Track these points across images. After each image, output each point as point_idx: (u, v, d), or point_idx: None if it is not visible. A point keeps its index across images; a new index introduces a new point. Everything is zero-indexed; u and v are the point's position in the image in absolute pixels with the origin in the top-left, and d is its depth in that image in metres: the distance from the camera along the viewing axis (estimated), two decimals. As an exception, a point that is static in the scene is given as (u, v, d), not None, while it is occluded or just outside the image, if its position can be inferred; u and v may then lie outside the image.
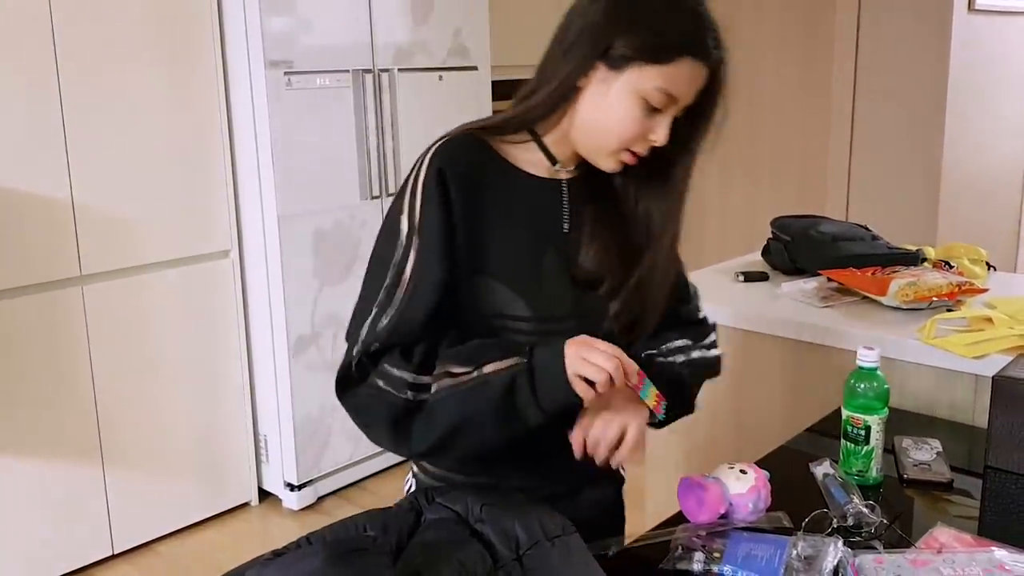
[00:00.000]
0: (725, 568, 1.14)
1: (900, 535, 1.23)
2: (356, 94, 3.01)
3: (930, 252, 2.16)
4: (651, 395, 1.12)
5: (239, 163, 2.92)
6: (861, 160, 3.34)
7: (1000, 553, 1.10)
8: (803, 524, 1.22)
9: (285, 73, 2.82)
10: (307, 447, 3.05)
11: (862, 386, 1.37)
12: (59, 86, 2.49)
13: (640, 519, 2.01)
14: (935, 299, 1.81)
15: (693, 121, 1.15)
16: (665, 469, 2.13)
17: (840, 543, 1.15)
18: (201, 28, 2.78)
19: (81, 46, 2.52)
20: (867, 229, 2.26)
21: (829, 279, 2.00)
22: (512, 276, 1.15)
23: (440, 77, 3.21)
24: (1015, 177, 3.93)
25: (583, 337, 1.08)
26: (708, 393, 2.02)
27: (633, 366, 1.08)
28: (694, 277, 2.23)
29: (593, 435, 1.11)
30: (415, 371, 1.08)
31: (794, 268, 2.16)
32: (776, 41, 3.64)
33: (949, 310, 1.80)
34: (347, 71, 2.98)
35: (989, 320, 1.64)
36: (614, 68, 1.09)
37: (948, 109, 3.18)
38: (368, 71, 3.04)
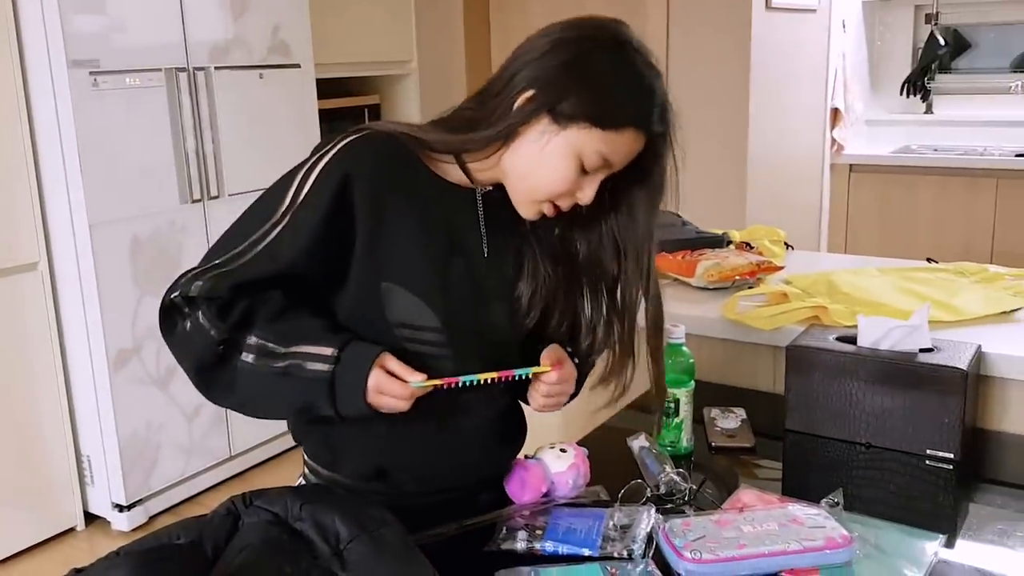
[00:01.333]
0: (547, 544, 1.18)
1: (709, 499, 1.31)
2: (170, 94, 2.90)
3: (735, 235, 2.31)
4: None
5: (44, 170, 2.75)
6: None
7: (794, 507, 1.19)
8: (619, 496, 1.28)
9: (91, 73, 2.67)
10: (135, 465, 2.91)
11: (670, 361, 1.45)
12: None
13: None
14: (737, 278, 1.94)
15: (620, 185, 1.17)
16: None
17: (653, 511, 1.22)
18: (-7, 26, 2.61)
19: None
20: (678, 216, 2.38)
21: (644, 264, 2.09)
22: (419, 284, 1.13)
23: (261, 75, 3.13)
24: (815, 162, 4.24)
25: (386, 362, 1.07)
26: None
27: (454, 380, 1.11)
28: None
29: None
30: (227, 330, 1.07)
31: (613, 255, 2.25)
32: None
33: (750, 288, 1.92)
34: (159, 70, 2.86)
35: (784, 295, 1.77)
36: (558, 123, 1.09)
37: (751, 100, 3.39)
38: (182, 69, 2.93)
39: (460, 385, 1.11)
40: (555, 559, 1.16)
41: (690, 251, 2.09)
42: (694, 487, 1.32)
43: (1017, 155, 4.20)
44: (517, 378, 1.18)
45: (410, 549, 1.02)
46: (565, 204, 1.15)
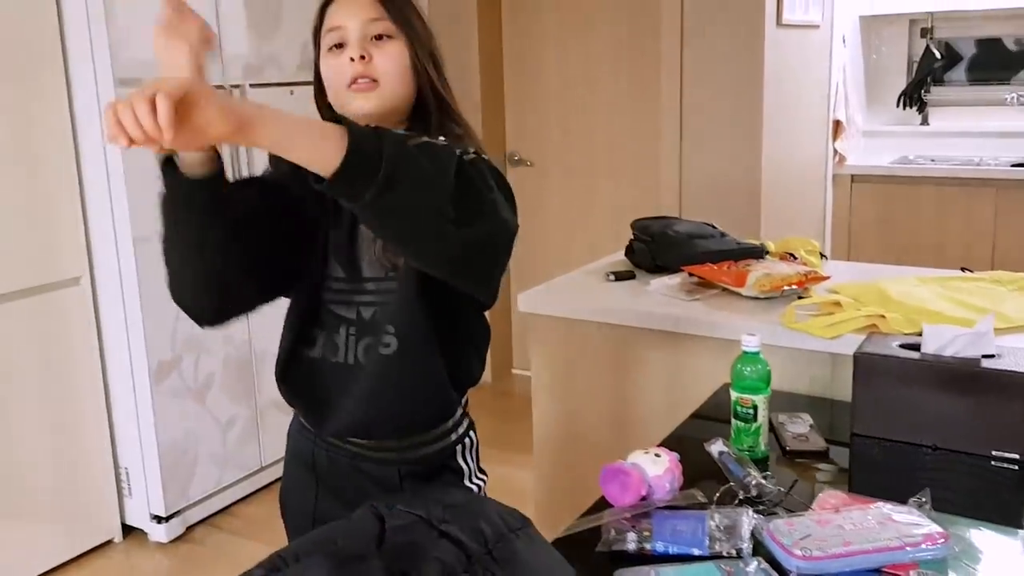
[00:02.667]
0: (657, 544, 1.25)
1: (798, 500, 1.39)
2: (206, 111, 2.95)
3: (770, 246, 2.40)
4: None
5: (88, 186, 2.80)
6: (690, 163, 3.61)
7: (885, 507, 1.27)
8: (715, 498, 1.36)
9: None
10: (173, 476, 2.96)
11: (748, 369, 1.53)
12: None
13: (526, 509, 2.12)
14: (786, 287, 2.02)
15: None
16: (551, 457, 2.26)
17: (751, 512, 1.29)
18: (42, 48, 2.66)
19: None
20: (714, 227, 2.47)
21: (691, 274, 2.18)
22: (335, 245, 1.35)
23: (291, 92, 3.19)
24: (818, 173, 4.35)
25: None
26: (589, 384, 2.16)
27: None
28: (563, 280, 2.36)
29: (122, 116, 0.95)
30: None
31: (655, 266, 2.33)
32: (608, 55, 3.86)
33: (800, 297, 2.01)
34: (196, 88, 2.91)
35: (838, 304, 1.85)
36: (317, 48, 1.34)
37: (764, 113, 3.49)
38: (219, 87, 2.98)
39: None
40: (666, 559, 1.23)
41: (733, 262, 2.18)
42: (782, 489, 1.40)
43: (1014, 165, 4.34)
44: None
45: (549, 547, 1.09)
46: (352, 73, 1.28)
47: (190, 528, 3.06)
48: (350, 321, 1.36)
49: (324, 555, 0.92)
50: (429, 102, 1.34)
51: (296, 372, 1.41)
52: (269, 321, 1.49)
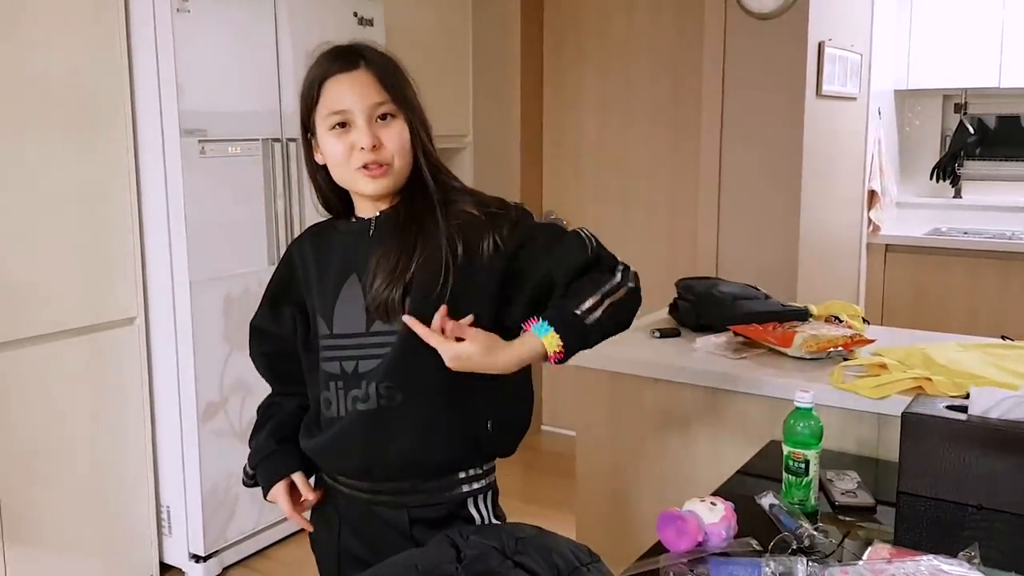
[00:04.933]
0: (715, 588, 1.29)
1: (849, 552, 1.43)
2: (265, 161, 3.08)
3: (813, 309, 2.45)
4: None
5: (148, 230, 2.91)
6: (728, 227, 3.69)
7: (936, 559, 1.31)
8: (769, 547, 1.40)
9: (199, 141, 2.85)
10: (213, 517, 3.00)
11: (801, 425, 1.58)
12: (-32, 151, 2.43)
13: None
14: (832, 349, 2.07)
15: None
16: (594, 509, 2.29)
17: (806, 561, 1.33)
18: (111, 96, 2.78)
19: (-9, 111, 2.48)
20: (757, 289, 2.54)
21: (736, 333, 2.23)
22: (321, 305, 1.45)
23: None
24: (854, 242, 4.41)
25: (283, 487, 1.54)
26: (634, 437, 2.20)
27: None
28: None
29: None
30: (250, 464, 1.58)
31: (700, 325, 2.39)
32: (648, 117, 3.97)
33: (845, 359, 2.06)
34: (257, 140, 3.04)
35: (884, 366, 1.90)
36: (313, 135, 1.42)
37: (803, 180, 3.57)
38: (277, 140, 3.11)
39: None
40: (724, 602, 1.27)
41: (779, 323, 2.23)
42: (835, 541, 1.44)
43: (1047, 240, 4.39)
44: None
45: (617, 584, 1.13)
46: (362, 159, 1.36)
47: (226, 569, 3.09)
48: (336, 376, 1.44)
49: (419, 573, 0.97)
50: (423, 168, 1.43)
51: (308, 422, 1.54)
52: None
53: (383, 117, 1.37)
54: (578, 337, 1.36)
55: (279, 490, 1.54)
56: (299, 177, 3.18)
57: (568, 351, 1.35)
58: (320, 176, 1.46)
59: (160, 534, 3.05)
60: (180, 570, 3.07)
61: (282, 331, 1.53)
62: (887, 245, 4.59)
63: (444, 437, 1.40)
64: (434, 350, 1.33)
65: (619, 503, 2.24)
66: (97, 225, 2.78)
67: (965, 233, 4.73)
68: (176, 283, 2.88)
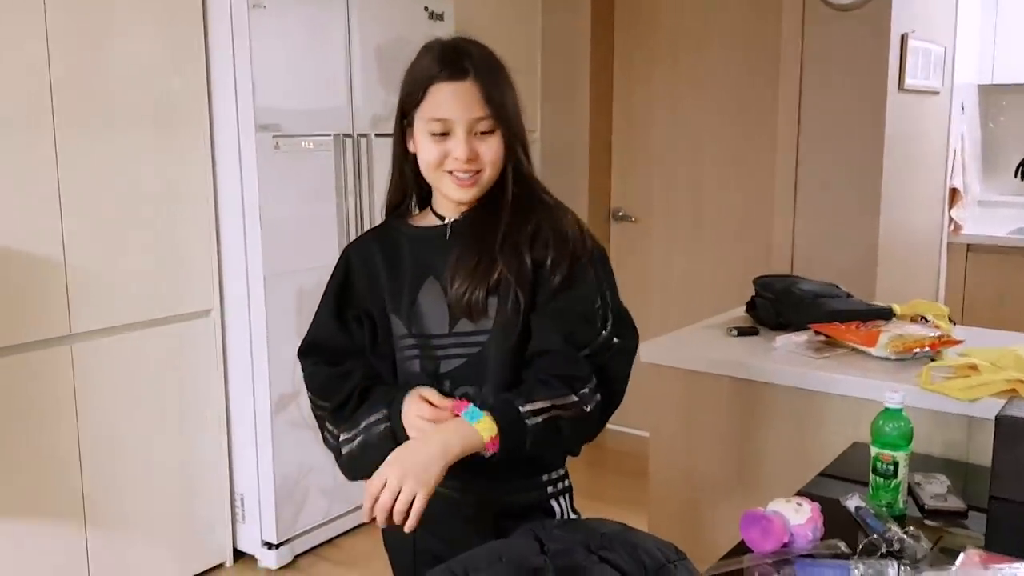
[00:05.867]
0: (802, 590, 1.26)
1: (941, 556, 1.37)
2: (336, 157, 3.10)
3: (897, 308, 2.37)
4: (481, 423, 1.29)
5: (223, 223, 2.96)
6: (803, 224, 3.60)
7: (1036, 567, 1.25)
8: (858, 549, 1.35)
9: (274, 136, 2.89)
10: (286, 505, 3.04)
11: (890, 426, 1.52)
12: (55, 148, 2.50)
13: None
14: (918, 350, 2.00)
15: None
16: (667, 508, 2.26)
17: (898, 565, 1.28)
18: (189, 93, 2.84)
19: (76, 110, 2.55)
20: (838, 287, 2.47)
21: (817, 332, 2.17)
22: (395, 306, 1.45)
23: (416, 142, 3.32)
24: (934, 241, 4.28)
25: (420, 390, 1.38)
26: (710, 437, 2.17)
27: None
28: (683, 333, 2.38)
29: (381, 503, 1.23)
30: (335, 439, 1.47)
31: (778, 323, 2.33)
32: (720, 111, 3.91)
33: (932, 360, 1.99)
34: (329, 135, 3.07)
35: (974, 367, 1.83)
36: (410, 125, 1.42)
37: (884, 176, 3.47)
38: (348, 135, 3.13)
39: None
40: (811, 605, 1.23)
41: (862, 322, 2.17)
42: (927, 545, 1.38)
43: None
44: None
45: (704, 582, 1.10)
46: (453, 167, 1.38)
47: (297, 556, 3.13)
48: (416, 375, 1.44)
49: (504, 563, 0.96)
50: (508, 180, 1.43)
51: None
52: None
53: (482, 132, 1.39)
54: (512, 424, 1.29)
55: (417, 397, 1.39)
56: (370, 172, 3.20)
57: (503, 436, 1.28)
58: (407, 164, 1.47)
59: (234, 521, 3.11)
60: (253, 556, 3.12)
61: (351, 342, 1.49)
62: (968, 245, 4.44)
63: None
64: (518, 350, 1.38)
65: (694, 503, 2.21)
66: (176, 220, 2.84)
67: (1051, 233, 4.55)
68: (251, 276, 2.93)
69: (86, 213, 2.59)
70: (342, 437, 1.46)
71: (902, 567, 1.27)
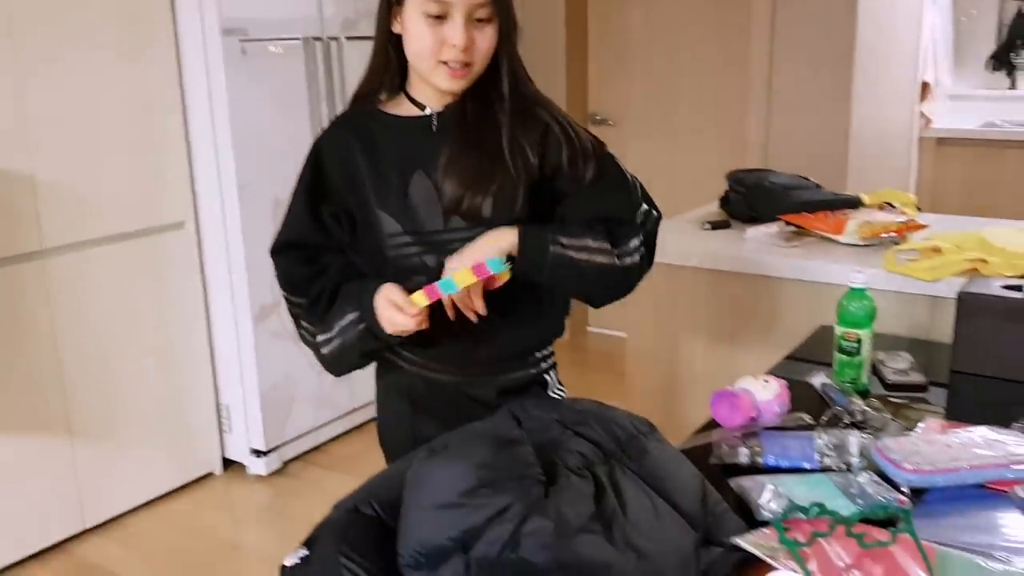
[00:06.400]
0: (768, 458, 1.32)
1: (901, 426, 1.44)
2: (307, 62, 3.06)
3: (865, 198, 2.41)
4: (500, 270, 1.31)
5: (193, 133, 2.93)
6: (777, 123, 3.61)
7: (985, 429, 1.32)
8: (820, 420, 1.42)
9: (240, 40, 2.84)
10: (272, 414, 3.10)
11: (854, 305, 1.58)
12: (18, 62, 2.45)
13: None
14: (884, 235, 2.05)
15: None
16: (644, 395, 2.33)
17: (859, 433, 1.35)
18: (154, 3, 2.77)
19: (37, 23, 2.49)
20: (808, 179, 2.50)
21: (788, 223, 2.22)
22: (385, 202, 1.40)
23: (386, 46, 3.27)
24: (905, 134, 4.30)
25: (387, 294, 1.33)
26: (685, 328, 2.22)
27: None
28: (661, 227, 2.42)
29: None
30: (312, 336, 1.46)
31: (750, 216, 2.37)
32: (696, 13, 3.86)
33: (896, 244, 2.04)
34: (298, 39, 3.02)
35: (937, 249, 1.88)
36: (399, 4, 1.34)
37: (855, 73, 3.47)
38: (318, 39, 3.08)
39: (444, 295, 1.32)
40: (777, 471, 1.30)
41: (831, 211, 2.21)
42: (888, 415, 1.45)
43: (1104, 130, 4.24)
44: (493, 272, 1.31)
45: (675, 449, 1.16)
46: (449, 56, 1.32)
47: (286, 463, 3.21)
48: (419, 269, 1.41)
49: (481, 439, 1.01)
50: (503, 73, 1.39)
51: None
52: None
53: (480, 19, 1.34)
54: (537, 252, 1.35)
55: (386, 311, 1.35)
56: (342, 78, 3.16)
57: (525, 255, 1.34)
58: (391, 47, 1.39)
59: (221, 431, 3.17)
60: (242, 464, 3.19)
61: (327, 239, 1.46)
62: (939, 138, 4.47)
63: (530, 321, 1.48)
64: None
65: (670, 391, 2.28)
66: (146, 131, 2.81)
67: (1019, 125, 4.58)
68: (224, 187, 2.92)
69: (54, 128, 2.56)
70: (319, 337, 1.45)
71: (863, 436, 1.33)
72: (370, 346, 1.41)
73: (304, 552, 0.93)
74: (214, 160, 2.91)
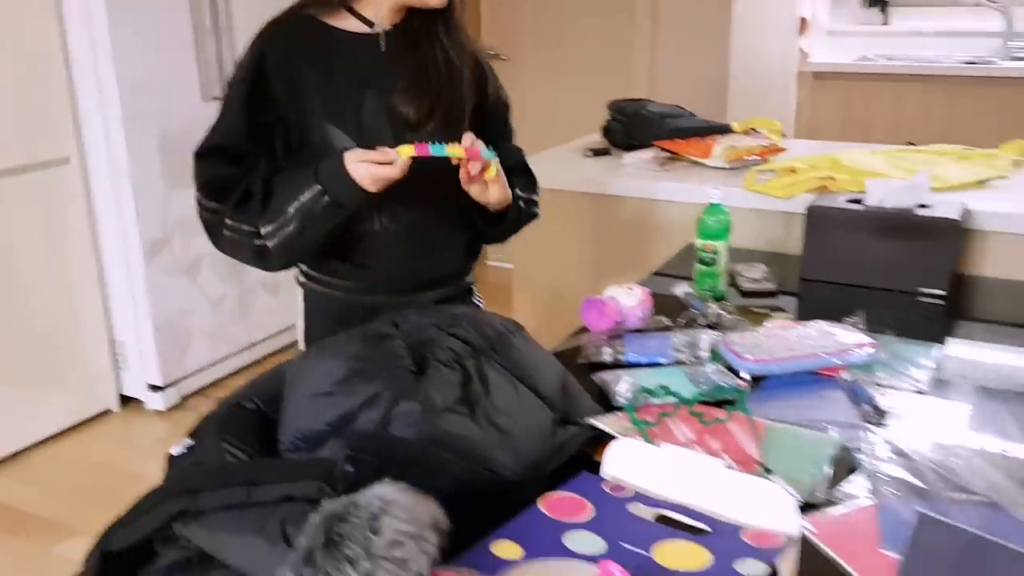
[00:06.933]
0: (629, 356, 1.45)
1: (751, 326, 1.59)
2: (190, -6, 3.02)
3: (735, 126, 2.56)
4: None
5: (75, 65, 2.87)
6: (661, 60, 3.74)
7: (825, 324, 1.48)
8: (677, 322, 1.55)
9: (119, -29, 2.78)
10: (168, 349, 3.11)
11: (712, 219, 1.71)
12: None
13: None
14: (747, 158, 2.20)
15: None
16: (530, 316, 2.45)
17: (711, 332, 1.49)
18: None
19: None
20: (682, 108, 2.63)
21: (662, 149, 2.34)
22: (337, 118, 1.40)
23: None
24: (784, 69, 4.49)
25: (357, 153, 1.33)
26: (568, 249, 2.33)
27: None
28: (544, 155, 2.52)
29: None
30: (250, 235, 1.40)
31: (629, 144, 2.49)
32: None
33: (759, 166, 2.19)
34: (179, -32, 2.98)
35: (793, 170, 2.03)
36: None
37: (733, 9, 3.61)
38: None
39: (432, 157, 1.35)
40: (637, 367, 1.43)
41: (701, 137, 2.34)
42: (739, 317, 1.60)
43: (966, 63, 4.51)
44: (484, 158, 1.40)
45: (542, 347, 1.27)
46: None
47: (185, 398, 3.23)
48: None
49: (356, 336, 1.09)
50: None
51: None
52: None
53: None
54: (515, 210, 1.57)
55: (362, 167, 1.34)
56: (227, 6, 3.13)
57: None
58: None
59: (116, 368, 3.17)
60: (140, 400, 3.20)
61: (260, 147, 1.42)
62: (815, 73, 4.68)
63: (463, 245, 1.62)
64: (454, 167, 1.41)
65: (553, 306, 2.40)
66: (24, 62, 2.74)
67: (891, 60, 4.83)
68: (109, 120, 2.87)
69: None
70: (264, 230, 1.39)
71: (715, 335, 1.47)
72: (336, 219, 1.38)
73: (189, 442, 1.00)
74: (97, 94, 2.86)
